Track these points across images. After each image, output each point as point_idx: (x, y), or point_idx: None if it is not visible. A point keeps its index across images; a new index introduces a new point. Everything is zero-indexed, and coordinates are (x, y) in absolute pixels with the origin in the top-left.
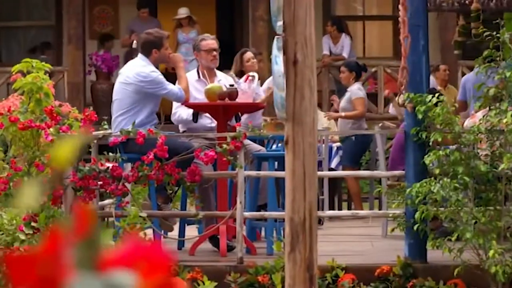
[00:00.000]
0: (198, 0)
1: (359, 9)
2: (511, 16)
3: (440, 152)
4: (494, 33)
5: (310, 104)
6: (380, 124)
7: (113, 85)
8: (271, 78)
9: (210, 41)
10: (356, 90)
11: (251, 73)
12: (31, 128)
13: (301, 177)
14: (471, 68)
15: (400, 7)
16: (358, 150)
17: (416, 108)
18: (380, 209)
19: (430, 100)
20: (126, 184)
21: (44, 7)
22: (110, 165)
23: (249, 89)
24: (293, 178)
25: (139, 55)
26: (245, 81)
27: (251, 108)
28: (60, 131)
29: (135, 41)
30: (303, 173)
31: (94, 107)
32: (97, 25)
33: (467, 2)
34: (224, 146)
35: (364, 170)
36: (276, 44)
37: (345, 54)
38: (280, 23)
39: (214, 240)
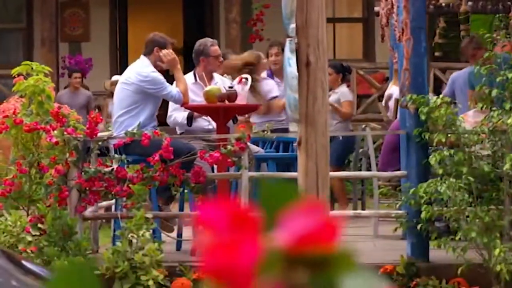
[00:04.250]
0: (165, 0)
1: (329, 11)
2: (479, 17)
3: (445, 152)
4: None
5: (322, 105)
6: (364, 126)
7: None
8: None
9: (217, 47)
10: (346, 92)
11: (244, 75)
12: (37, 130)
13: (314, 177)
14: (442, 69)
15: (403, 10)
16: (344, 151)
17: (419, 110)
18: (363, 209)
19: (434, 102)
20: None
21: (15, 9)
22: (114, 166)
23: (243, 91)
24: (306, 178)
25: (141, 56)
26: (238, 83)
27: (249, 109)
28: (65, 133)
29: None
30: (315, 173)
31: None
32: (68, 28)
33: (443, 4)
34: (229, 147)
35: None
36: (288, 47)
37: None
38: (292, 25)
39: None
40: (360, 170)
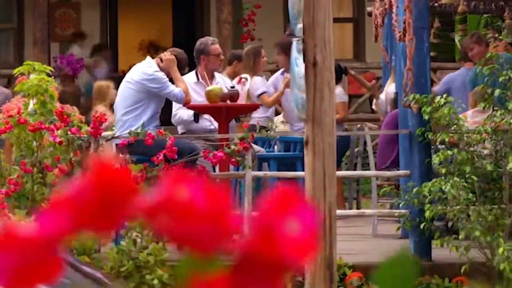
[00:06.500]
0: (155, 1)
1: None
2: (474, 17)
3: (448, 152)
4: (498, 35)
5: (329, 105)
6: (359, 125)
7: (77, 87)
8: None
9: (217, 45)
10: (340, 93)
11: (243, 75)
12: (41, 130)
13: (321, 176)
14: (433, 69)
15: (405, 10)
16: (340, 151)
17: (422, 109)
18: (358, 208)
19: (438, 101)
20: None
21: (5, 9)
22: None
23: (242, 91)
24: (313, 178)
25: (148, 57)
26: (238, 83)
27: (250, 109)
28: (69, 132)
29: None
30: (323, 172)
31: None
32: (59, 28)
33: (436, 4)
34: (233, 147)
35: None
36: (296, 47)
37: None
38: (300, 25)
39: None
40: (355, 169)
